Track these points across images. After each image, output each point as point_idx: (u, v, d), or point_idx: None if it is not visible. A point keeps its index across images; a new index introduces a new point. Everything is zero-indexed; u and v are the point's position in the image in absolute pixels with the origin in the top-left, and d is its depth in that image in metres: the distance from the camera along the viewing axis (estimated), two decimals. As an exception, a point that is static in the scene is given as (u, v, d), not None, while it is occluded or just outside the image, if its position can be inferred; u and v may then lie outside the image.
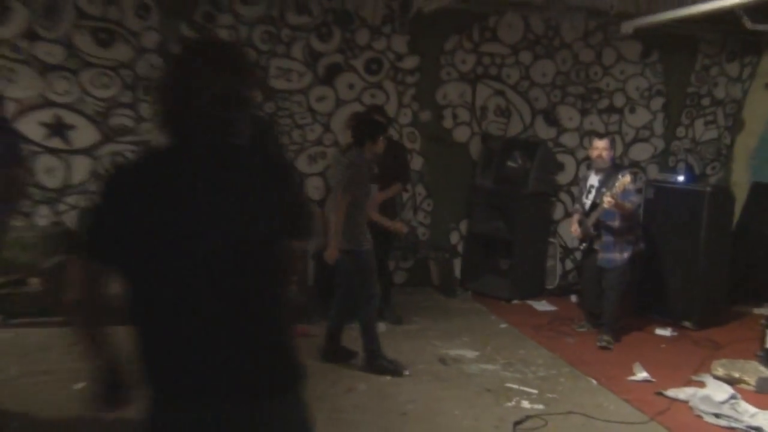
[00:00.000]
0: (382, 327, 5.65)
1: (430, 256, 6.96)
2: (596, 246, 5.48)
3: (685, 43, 7.40)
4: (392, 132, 6.43)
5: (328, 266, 4.68)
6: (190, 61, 1.68)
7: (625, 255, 5.41)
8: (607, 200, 5.11)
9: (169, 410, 1.66)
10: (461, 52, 6.86)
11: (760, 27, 5.22)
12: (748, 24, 5.18)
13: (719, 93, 7.68)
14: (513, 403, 4.18)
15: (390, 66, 6.67)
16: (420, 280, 6.92)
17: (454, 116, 6.96)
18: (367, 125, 4.85)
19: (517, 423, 3.87)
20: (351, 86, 6.58)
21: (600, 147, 5.52)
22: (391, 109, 6.60)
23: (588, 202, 5.52)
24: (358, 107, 6.45)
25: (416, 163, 6.83)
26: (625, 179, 5.08)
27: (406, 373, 4.61)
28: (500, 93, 7.03)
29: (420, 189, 6.93)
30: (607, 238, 5.40)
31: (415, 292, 6.73)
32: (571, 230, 5.73)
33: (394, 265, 6.72)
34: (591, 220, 5.39)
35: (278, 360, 1.73)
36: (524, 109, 7.14)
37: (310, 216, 1.94)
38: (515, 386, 4.45)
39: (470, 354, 5.06)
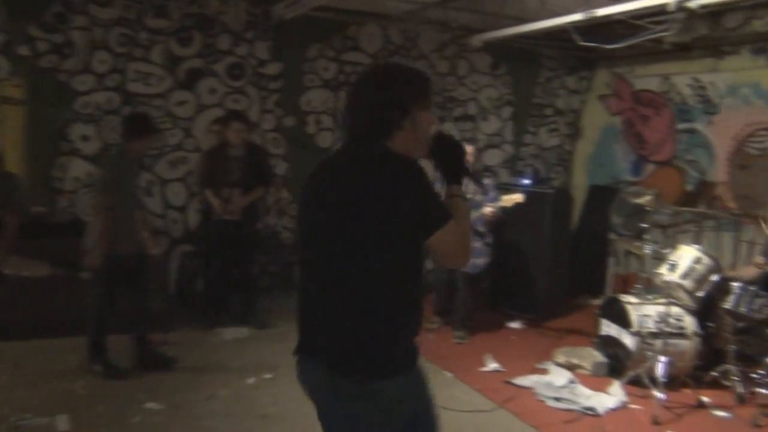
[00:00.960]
0: (244, 332, 5.71)
1: (295, 259, 7.05)
2: None
3: (530, 58, 8.01)
4: (255, 137, 6.48)
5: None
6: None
7: (487, 259, 5.84)
8: (489, 210, 5.48)
9: (295, 353, 2.18)
10: (323, 60, 7.01)
11: (589, 44, 5.77)
12: (579, 41, 5.72)
13: (560, 104, 8.38)
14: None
15: (252, 71, 6.69)
16: (287, 284, 6.98)
17: (318, 122, 7.10)
18: (135, 122, 4.69)
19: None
20: (212, 91, 6.54)
21: (469, 152, 5.93)
22: (253, 114, 6.64)
23: None
24: (219, 112, 6.44)
25: (281, 168, 6.90)
26: (515, 197, 5.52)
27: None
28: (362, 100, 7.25)
29: (285, 194, 7.00)
30: (475, 244, 5.74)
31: (282, 296, 6.78)
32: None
33: (260, 269, 6.75)
34: None
35: (351, 345, 2.01)
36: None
37: None
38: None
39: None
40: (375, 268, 1.99)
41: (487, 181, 6.15)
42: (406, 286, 2.07)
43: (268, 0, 6.50)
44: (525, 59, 7.97)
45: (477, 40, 6.97)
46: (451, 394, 4.56)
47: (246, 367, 4.87)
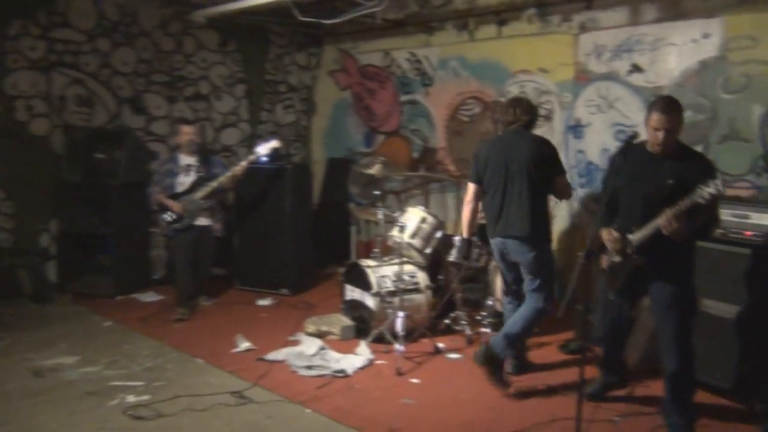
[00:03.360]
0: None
1: (18, 262, 6.30)
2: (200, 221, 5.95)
3: (259, 34, 7.99)
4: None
5: None
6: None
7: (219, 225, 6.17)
8: (230, 176, 5.88)
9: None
10: (28, 38, 6.26)
11: (310, 19, 5.91)
12: (299, 16, 5.82)
13: (293, 80, 8.50)
14: (117, 400, 4.09)
15: (-63, 52, 5.76)
16: (7, 291, 6.21)
17: (29, 108, 6.35)
18: None
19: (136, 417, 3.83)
20: None
21: (190, 132, 6.00)
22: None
23: (189, 180, 5.93)
24: None
25: (-13, 161, 6.09)
26: (243, 164, 5.95)
27: None
28: (79, 82, 6.64)
29: (-8, 189, 6.19)
30: (213, 209, 6.09)
31: (2, 305, 6.03)
32: (173, 207, 5.85)
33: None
34: (201, 195, 5.87)
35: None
36: (108, 98, 6.88)
37: None
38: (120, 383, 4.35)
39: (69, 360, 4.76)
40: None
41: (215, 156, 6.46)
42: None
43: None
44: (254, 36, 7.93)
45: (200, 15, 6.75)
46: (204, 381, 4.44)
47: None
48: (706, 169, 3.40)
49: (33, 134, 6.39)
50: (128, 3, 6.76)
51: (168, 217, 5.86)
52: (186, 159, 6.00)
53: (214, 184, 5.87)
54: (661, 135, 3.41)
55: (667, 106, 3.44)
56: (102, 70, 6.79)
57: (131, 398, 4.11)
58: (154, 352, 4.99)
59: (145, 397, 4.12)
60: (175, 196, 5.89)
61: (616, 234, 3.61)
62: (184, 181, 5.95)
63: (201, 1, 6.72)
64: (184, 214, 5.85)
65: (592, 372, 4.01)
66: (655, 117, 3.41)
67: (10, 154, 6.22)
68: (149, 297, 6.47)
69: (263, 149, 5.99)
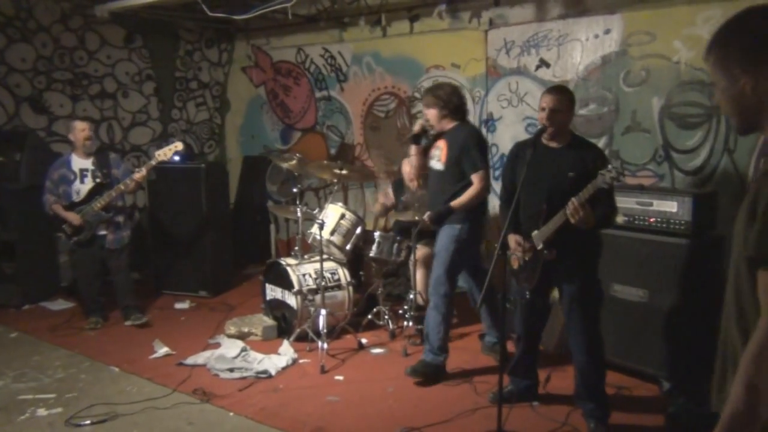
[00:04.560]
0: None
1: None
2: (104, 230, 5.53)
3: (167, 30, 7.74)
4: None
5: None
6: None
7: (128, 232, 5.73)
8: (130, 183, 5.35)
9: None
10: None
11: (220, 15, 5.79)
12: (208, 11, 5.69)
13: (204, 77, 8.30)
14: (27, 414, 3.89)
15: None
16: None
17: None
18: None
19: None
20: None
21: (85, 128, 5.54)
22: None
23: (86, 187, 5.47)
24: None
25: None
26: (142, 170, 5.44)
27: None
28: (-29, 80, 6.26)
29: None
30: (117, 218, 5.57)
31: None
32: (72, 220, 5.47)
33: None
34: (99, 206, 5.39)
35: None
36: (5, 98, 6.50)
37: None
38: (29, 396, 4.15)
39: (-28, 376, 4.50)
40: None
41: (113, 155, 5.94)
42: None
43: None
44: (162, 32, 7.68)
45: (102, 10, 6.47)
46: (120, 389, 4.29)
47: None
48: (601, 157, 3.59)
49: None
50: (24, -3, 6.41)
51: (67, 229, 5.40)
52: (81, 162, 5.49)
53: (112, 192, 5.36)
54: (545, 114, 3.57)
55: (554, 88, 3.74)
56: (-3, 67, 6.42)
57: (42, 412, 3.93)
58: (66, 362, 4.77)
59: (57, 410, 3.95)
60: (73, 206, 5.41)
61: (521, 239, 3.70)
62: (80, 188, 5.45)
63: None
64: (85, 225, 5.38)
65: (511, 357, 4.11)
66: (543, 98, 3.62)
67: None
68: (58, 305, 6.18)
69: (163, 153, 5.45)
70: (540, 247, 3.60)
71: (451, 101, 4.43)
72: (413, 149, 4.95)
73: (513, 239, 3.72)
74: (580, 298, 3.62)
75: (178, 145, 5.51)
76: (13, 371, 4.58)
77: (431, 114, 4.47)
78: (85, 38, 7.04)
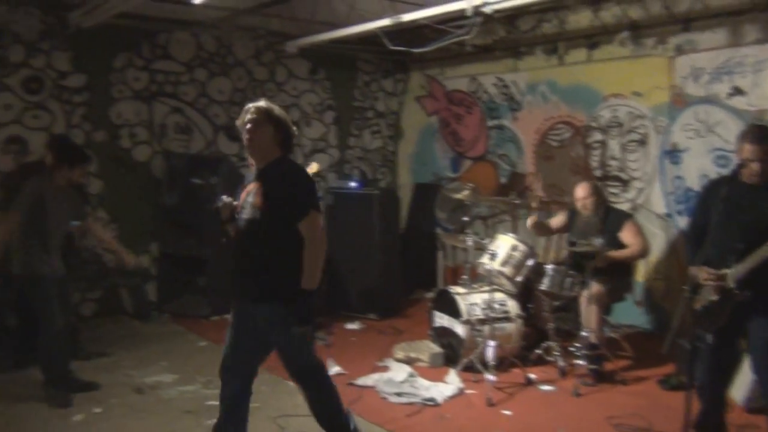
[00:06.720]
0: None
1: (120, 282, 6.62)
2: None
3: (347, 62, 8.16)
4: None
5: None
6: None
7: None
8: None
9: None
10: (132, 69, 6.64)
11: (400, 48, 6.00)
12: (389, 45, 5.93)
13: (380, 106, 8.62)
14: (214, 420, 4.19)
15: (53, 84, 6.17)
16: (111, 309, 6.53)
17: (132, 135, 6.71)
18: (71, 150, 4.77)
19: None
20: (8, 107, 5.95)
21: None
22: (59, 129, 6.15)
23: None
24: (18, 129, 5.90)
25: (95, 186, 6.45)
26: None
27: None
28: (178, 110, 6.97)
29: (102, 213, 6.53)
30: None
31: (107, 322, 6.34)
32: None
33: (81, 296, 6.26)
34: None
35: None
36: (205, 126, 7.18)
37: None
38: (216, 403, 4.44)
39: (168, 378, 4.94)
40: None
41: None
42: None
43: (62, 7, 6.03)
44: (342, 64, 8.10)
45: (292, 46, 6.97)
46: (295, 403, 4.48)
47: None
48: None
49: (136, 160, 6.74)
50: (224, 35, 7.06)
51: None
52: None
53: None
54: (756, 166, 3.30)
55: (758, 135, 3.35)
56: (199, 98, 7.10)
57: (227, 419, 4.21)
58: (248, 373, 5.09)
59: (240, 419, 4.21)
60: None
61: (712, 271, 3.43)
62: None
63: (292, 32, 6.94)
64: None
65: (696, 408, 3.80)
66: (747, 148, 3.32)
67: (114, 178, 6.58)
68: (241, 318, 6.62)
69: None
70: (732, 286, 3.32)
71: None
72: None
73: (704, 270, 3.45)
74: None
75: (313, 167, 5.66)
76: (203, 377, 4.96)
77: None
78: (274, 71, 7.60)
